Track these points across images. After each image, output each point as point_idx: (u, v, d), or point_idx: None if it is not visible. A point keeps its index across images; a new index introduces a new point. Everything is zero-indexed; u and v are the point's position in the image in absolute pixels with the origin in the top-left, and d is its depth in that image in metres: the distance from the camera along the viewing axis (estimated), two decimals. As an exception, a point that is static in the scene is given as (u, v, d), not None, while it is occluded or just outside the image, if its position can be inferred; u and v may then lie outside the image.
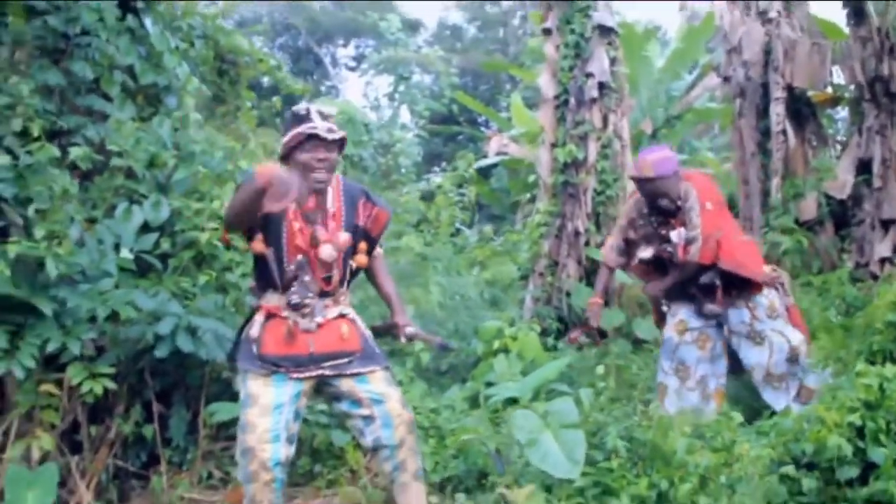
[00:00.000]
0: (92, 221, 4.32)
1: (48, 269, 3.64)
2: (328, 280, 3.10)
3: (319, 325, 3.06)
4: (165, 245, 4.50)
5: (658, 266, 4.47)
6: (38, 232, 3.79)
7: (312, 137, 2.98)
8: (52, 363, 3.84)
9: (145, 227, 4.42)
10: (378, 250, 3.35)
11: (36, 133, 4.04)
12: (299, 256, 3.04)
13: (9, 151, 3.97)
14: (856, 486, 2.83)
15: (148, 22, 5.20)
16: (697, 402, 4.30)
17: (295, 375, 3.00)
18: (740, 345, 4.35)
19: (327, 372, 3.06)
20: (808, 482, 2.94)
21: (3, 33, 4.68)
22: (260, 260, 3.09)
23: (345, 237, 3.12)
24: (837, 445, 2.82)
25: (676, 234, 4.26)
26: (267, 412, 2.94)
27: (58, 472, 3.44)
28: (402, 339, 3.32)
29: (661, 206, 4.25)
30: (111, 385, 3.86)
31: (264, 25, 9.90)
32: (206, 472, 4.26)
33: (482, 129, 20.53)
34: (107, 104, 4.70)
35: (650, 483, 3.22)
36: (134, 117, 4.84)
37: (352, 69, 27.12)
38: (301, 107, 3.11)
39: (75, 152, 4.23)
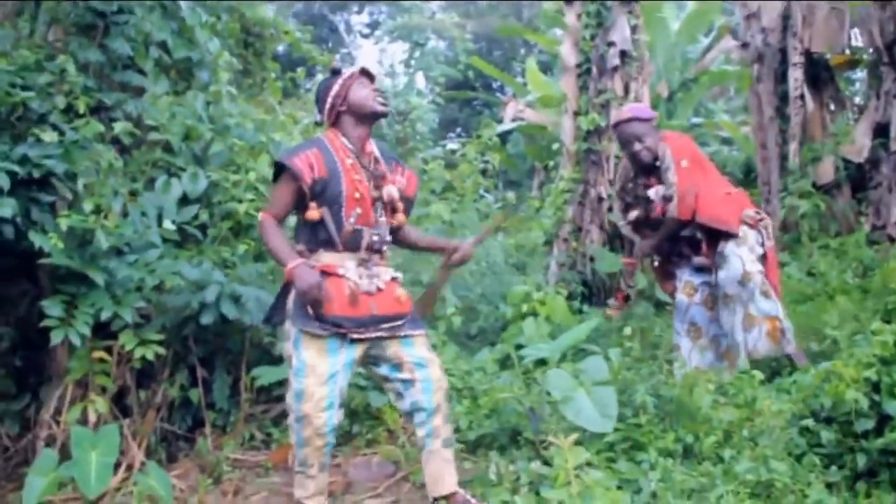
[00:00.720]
0: (133, 194, 4.42)
1: (98, 240, 3.75)
2: (380, 235, 3.24)
3: (379, 289, 3.19)
4: (204, 216, 4.63)
5: (651, 227, 4.66)
6: (87, 205, 3.87)
7: (362, 74, 3.27)
8: (102, 331, 3.98)
9: (184, 200, 4.55)
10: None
11: (81, 110, 4.14)
12: (357, 209, 3.17)
13: (55, 128, 4.04)
14: (871, 438, 2.97)
15: None
16: (713, 361, 4.46)
17: (355, 336, 3.11)
18: (718, 276, 4.49)
19: (384, 334, 3.18)
20: (827, 434, 3.08)
21: (40, 12, 4.80)
22: (312, 224, 3.19)
23: (400, 179, 3.35)
24: (854, 399, 2.96)
25: (654, 193, 4.49)
26: (322, 381, 3.05)
27: (118, 433, 3.60)
28: (473, 245, 3.48)
29: (635, 153, 4.45)
30: (161, 350, 4.00)
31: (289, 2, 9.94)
32: (248, 433, 4.42)
33: (498, 94, 20.52)
34: (143, 79, 4.77)
35: (676, 437, 3.39)
36: (168, 92, 4.92)
37: (366, 36, 27.06)
38: (334, 65, 3.33)
39: (119, 127, 4.32)
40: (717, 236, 4.41)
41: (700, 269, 4.56)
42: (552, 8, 12.49)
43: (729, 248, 4.36)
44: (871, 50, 7.22)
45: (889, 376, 3.02)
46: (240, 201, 4.71)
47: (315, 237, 3.19)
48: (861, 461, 2.96)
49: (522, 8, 26.31)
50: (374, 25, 26.72)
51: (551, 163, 11.89)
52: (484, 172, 8.11)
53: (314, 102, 3.42)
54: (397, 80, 20.40)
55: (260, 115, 5.62)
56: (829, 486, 2.97)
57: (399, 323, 3.22)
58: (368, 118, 3.27)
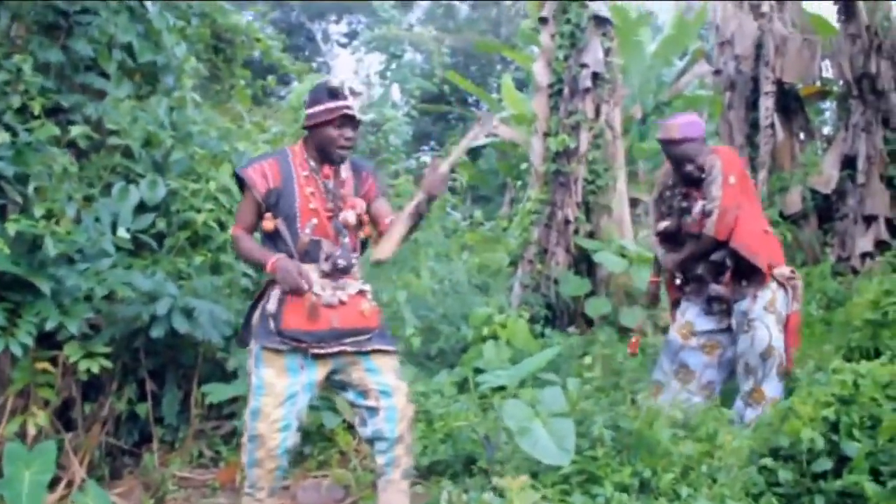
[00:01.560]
0: (88, 200, 4.31)
1: (47, 247, 3.63)
2: (341, 245, 3.13)
3: (342, 302, 3.09)
4: (161, 225, 4.53)
5: (678, 241, 4.40)
6: (37, 210, 3.76)
7: (346, 117, 3.08)
8: (47, 341, 3.86)
9: (141, 207, 4.44)
10: (386, 221, 3.29)
11: (36, 111, 4.02)
12: (313, 220, 3.08)
13: (8, 128, 3.92)
14: (829, 479, 2.93)
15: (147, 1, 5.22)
16: (702, 405, 4.14)
17: (315, 351, 3.02)
18: (737, 337, 4.23)
19: (348, 348, 3.07)
20: (785, 474, 3.03)
21: (1, 8, 4.66)
22: (270, 235, 3.13)
23: (360, 202, 3.21)
24: (811, 438, 2.93)
25: (698, 207, 4.19)
26: (280, 401, 2.97)
27: (55, 450, 3.46)
28: (442, 180, 3.19)
29: (686, 174, 4.19)
30: (107, 364, 3.89)
31: (267, 9, 9.86)
32: (197, 450, 4.32)
33: (472, 109, 20.51)
34: (105, 82, 4.65)
35: (634, 471, 3.31)
36: (131, 95, 4.82)
37: (343, 46, 26.98)
38: (335, 83, 3.17)
39: (75, 130, 4.21)
40: (743, 272, 4.18)
41: (707, 314, 4.30)
42: (530, 25, 12.50)
43: (757, 311, 4.10)
44: (840, 82, 7.31)
45: (848, 416, 3.00)
46: (198, 211, 4.62)
47: (276, 249, 3.11)
48: (819, 503, 2.91)
49: (500, 24, 26.44)
50: (351, 35, 26.65)
51: (520, 182, 11.88)
52: (452, 189, 8.06)
53: (307, 101, 3.26)
54: (373, 91, 20.36)
55: (225, 124, 5.53)
56: (785, 527, 2.93)
57: (363, 338, 3.11)
58: (328, 159, 3.18)
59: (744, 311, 4.14)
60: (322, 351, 3.04)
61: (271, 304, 3.05)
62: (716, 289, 4.21)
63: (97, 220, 4.19)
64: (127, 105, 4.65)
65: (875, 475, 2.87)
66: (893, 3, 7.13)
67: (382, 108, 15.31)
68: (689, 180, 4.23)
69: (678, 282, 4.50)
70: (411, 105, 16.99)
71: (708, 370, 4.29)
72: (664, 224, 4.43)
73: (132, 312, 4.05)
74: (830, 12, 7.63)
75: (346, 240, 3.15)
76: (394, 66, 19.01)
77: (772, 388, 4.03)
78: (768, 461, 3.11)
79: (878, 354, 3.44)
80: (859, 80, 6.93)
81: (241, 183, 3.19)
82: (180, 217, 4.61)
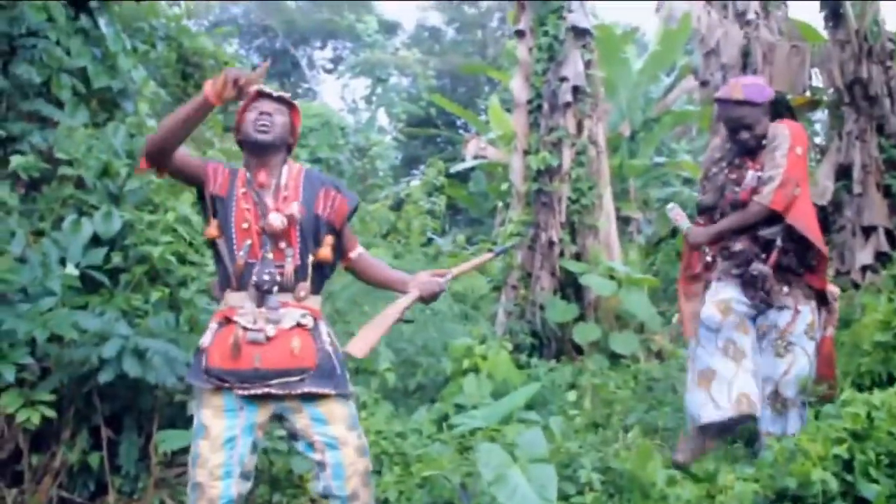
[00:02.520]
0: (39, 234, 4.14)
1: (-20, 288, 3.42)
2: (281, 268, 2.82)
3: (269, 338, 2.78)
4: (116, 259, 4.29)
5: (713, 221, 4.00)
6: None
7: (259, 95, 2.84)
8: None
9: (95, 241, 4.22)
10: (360, 249, 3.08)
11: (-25, 141, 3.84)
12: (247, 241, 2.80)
13: None
14: (846, 525, 2.65)
15: (103, 22, 5.04)
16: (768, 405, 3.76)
17: (239, 392, 2.75)
18: (763, 353, 3.82)
19: (274, 391, 2.77)
20: (794, 520, 2.76)
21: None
22: (217, 255, 2.88)
23: (297, 207, 2.86)
24: (823, 480, 2.64)
25: (751, 176, 3.79)
26: (218, 446, 2.69)
27: None
28: (441, 288, 3.01)
29: (742, 142, 3.80)
30: (50, 413, 3.64)
31: (233, 28, 9.72)
32: (158, 501, 4.04)
33: (460, 131, 20.47)
34: (56, 110, 4.54)
35: (626, 519, 3.04)
36: (87, 123, 4.66)
37: (329, 71, 27.09)
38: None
39: (17, 161, 4.06)
40: (789, 266, 3.78)
41: (746, 302, 3.81)
42: (515, 45, 12.45)
43: (797, 333, 3.74)
44: (831, 90, 7.13)
45: (864, 454, 2.72)
46: (156, 244, 4.36)
47: (219, 272, 2.90)
48: (833, 552, 2.61)
49: (486, 46, 26.50)
50: (336, 60, 26.73)
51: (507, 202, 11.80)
52: (432, 214, 7.87)
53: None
54: (359, 116, 20.30)
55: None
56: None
57: (294, 379, 2.79)
58: (252, 147, 2.90)
59: (781, 328, 3.77)
60: (247, 393, 2.76)
61: (205, 339, 2.79)
62: (759, 267, 3.73)
63: (44, 256, 3.97)
64: (81, 133, 4.45)
65: (896, 519, 2.58)
66: (881, 3, 6.96)
67: (369, 133, 15.19)
68: (744, 150, 3.84)
69: (708, 259, 4.03)
70: (398, 129, 16.88)
71: (754, 354, 3.78)
72: (706, 197, 4.04)
73: (80, 355, 3.79)
74: (817, 19, 7.49)
75: (270, 254, 2.84)
76: (380, 90, 19.04)
77: (797, 424, 3.66)
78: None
79: (891, 381, 3.17)
80: (851, 86, 6.74)
81: None
82: (136, 251, 4.36)
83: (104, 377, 3.72)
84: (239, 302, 2.77)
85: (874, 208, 6.63)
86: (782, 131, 3.74)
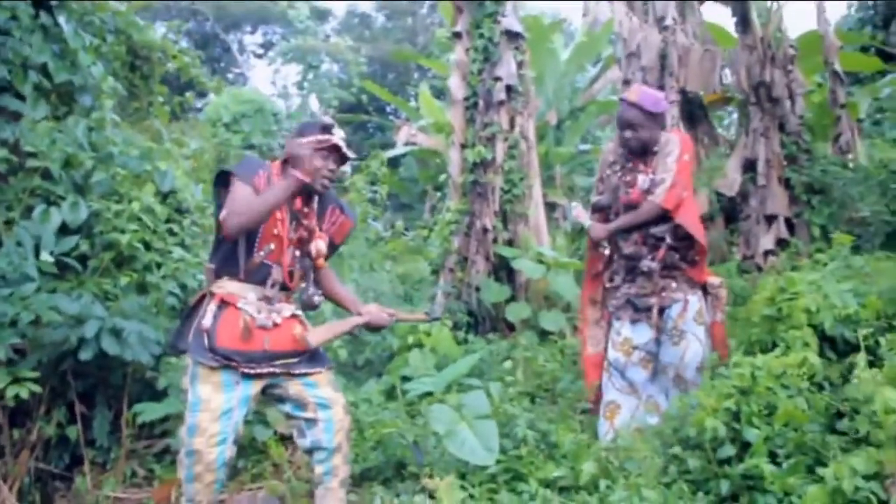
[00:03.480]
0: (9, 224, 4.30)
1: (-32, 274, 3.63)
2: (291, 275, 3.24)
3: (276, 324, 3.17)
4: (84, 247, 4.51)
5: (608, 220, 4.33)
6: None
7: (335, 149, 3.18)
8: None
9: (64, 229, 4.42)
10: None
11: (-48, 136, 4.02)
12: (271, 245, 3.17)
13: None
14: (733, 464, 3.18)
15: (62, 19, 5.10)
16: (658, 421, 4.08)
17: (245, 371, 3.09)
18: (662, 345, 4.21)
19: (277, 370, 3.17)
20: (693, 462, 3.28)
21: None
22: (225, 244, 3.16)
23: (324, 236, 3.33)
24: (714, 427, 3.18)
25: (642, 179, 4.13)
26: (216, 417, 3.04)
27: None
28: (386, 322, 3.44)
29: (625, 140, 4.12)
30: (36, 388, 3.83)
31: (180, 23, 9.80)
32: (130, 470, 4.32)
33: (391, 118, 20.65)
34: (21, 104, 4.63)
35: (555, 467, 3.54)
36: (48, 116, 4.79)
37: (259, 56, 26.88)
38: (328, 119, 3.27)
39: None
40: (675, 264, 4.15)
41: (635, 322, 4.18)
42: (445, 35, 12.73)
43: (688, 322, 4.11)
44: (739, 91, 7.68)
45: (748, 406, 3.24)
46: (122, 231, 4.60)
47: (224, 262, 3.19)
48: (724, 487, 3.15)
49: (417, 33, 26.70)
50: (267, 46, 26.59)
51: (440, 191, 12.09)
52: (372, 202, 8.20)
53: (295, 132, 3.31)
54: (290, 102, 20.30)
55: (145, 143, 5.51)
56: (696, 511, 3.16)
57: (293, 360, 3.22)
58: (307, 186, 3.22)
59: (674, 318, 4.13)
60: (252, 371, 3.14)
61: (206, 320, 3.10)
62: (647, 264, 4.13)
63: (19, 244, 4.16)
64: (44, 126, 4.62)
65: (773, 458, 3.12)
66: (784, 12, 7.56)
67: (301, 119, 15.28)
68: (633, 152, 4.18)
69: (606, 252, 4.36)
70: (329, 115, 16.97)
71: (647, 386, 4.24)
72: (599, 198, 4.39)
73: (59, 336, 4.03)
74: (731, 23, 8.04)
75: (287, 259, 3.24)
76: (311, 76, 19.01)
77: None
78: (677, 450, 3.35)
79: (774, 347, 3.70)
80: (756, 88, 7.31)
81: (225, 180, 3.19)
82: (104, 238, 4.60)
83: (84, 355, 3.95)
84: (241, 291, 3.15)
85: (776, 199, 7.24)
86: (674, 139, 4.12)
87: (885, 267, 4.58)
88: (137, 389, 4.50)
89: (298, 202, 3.27)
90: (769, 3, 7.79)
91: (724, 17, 10.46)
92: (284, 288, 3.24)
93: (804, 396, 3.28)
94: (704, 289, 4.25)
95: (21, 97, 4.65)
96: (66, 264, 4.38)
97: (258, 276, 3.18)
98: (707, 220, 7.61)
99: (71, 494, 4.12)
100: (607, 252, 4.35)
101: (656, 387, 4.27)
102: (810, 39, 8.10)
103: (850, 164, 7.32)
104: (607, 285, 4.38)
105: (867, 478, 2.40)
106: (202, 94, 13.54)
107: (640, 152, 4.17)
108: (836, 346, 3.69)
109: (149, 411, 4.22)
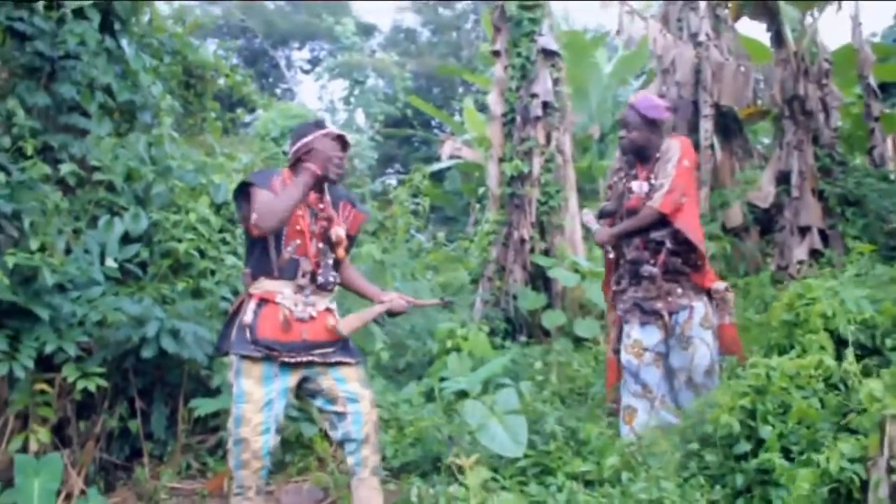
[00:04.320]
0: (77, 232, 4.61)
1: (43, 277, 3.93)
2: (318, 265, 3.49)
3: (312, 317, 3.43)
4: (145, 254, 4.84)
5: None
6: (32, 244, 4.07)
7: (338, 137, 3.49)
8: (43, 364, 4.12)
9: (126, 238, 4.76)
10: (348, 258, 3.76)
11: (29, 151, 4.34)
12: (297, 241, 3.43)
13: (2, 168, 4.21)
14: (749, 459, 3.35)
15: (124, 42, 5.47)
16: (672, 420, 4.13)
17: (285, 360, 3.36)
18: (671, 349, 4.26)
19: (316, 359, 3.42)
20: (710, 457, 3.47)
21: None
22: (256, 245, 3.44)
23: (342, 224, 3.58)
24: (730, 424, 3.36)
25: (638, 185, 4.23)
26: (259, 408, 3.31)
27: (61, 461, 3.75)
28: (405, 307, 3.65)
29: (620, 140, 4.27)
30: (102, 382, 4.15)
31: (234, 43, 10.19)
32: (185, 463, 4.60)
33: (436, 132, 20.92)
34: (87, 121, 4.95)
35: (582, 462, 3.75)
36: (111, 133, 5.11)
37: (307, 72, 27.35)
38: (318, 116, 3.59)
39: (65, 168, 4.53)
40: (677, 268, 4.21)
41: (644, 324, 4.22)
42: (490, 49, 12.92)
43: (694, 328, 4.15)
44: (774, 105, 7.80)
45: (763, 404, 3.42)
46: (179, 240, 4.92)
47: (258, 263, 3.45)
48: (739, 480, 3.33)
49: (461, 48, 26.98)
50: (314, 62, 27.05)
51: (482, 203, 12.29)
52: (415, 213, 8.48)
53: (295, 137, 3.58)
54: (336, 116, 20.69)
55: (200, 157, 5.84)
56: (713, 503, 3.34)
57: (329, 349, 3.48)
58: (320, 178, 3.50)
59: (681, 324, 4.18)
60: (292, 360, 3.40)
61: (247, 316, 3.38)
62: (648, 269, 4.18)
63: (86, 251, 4.50)
64: (108, 142, 4.94)
65: (786, 453, 3.29)
66: (819, 25, 7.67)
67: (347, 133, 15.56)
68: (622, 151, 4.32)
69: (610, 256, 4.45)
70: (375, 129, 17.29)
71: (661, 385, 4.26)
72: (606, 204, 4.47)
73: (123, 336, 4.35)
74: (767, 38, 8.17)
75: (330, 260, 3.53)
76: (357, 91, 19.33)
77: None
78: (695, 446, 3.54)
79: (793, 350, 3.87)
80: (790, 101, 7.44)
81: (245, 193, 3.44)
82: (162, 246, 4.92)
83: (146, 353, 4.27)
84: (278, 288, 3.42)
85: (809, 210, 7.34)
86: (674, 145, 4.19)
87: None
88: (192, 387, 4.79)
89: (313, 197, 3.54)
90: (804, 18, 7.91)
91: (761, 32, 10.55)
92: (314, 279, 3.49)
93: (818, 396, 3.44)
94: (709, 294, 4.32)
95: (87, 115, 4.99)
96: (129, 270, 4.73)
97: (290, 271, 3.43)
98: (742, 231, 7.74)
99: (131, 483, 4.41)
100: (612, 256, 4.44)
101: (666, 385, 4.30)
102: (849, 52, 8.18)
103: (890, 176, 7.38)
104: (615, 288, 4.47)
105: (853, 461, 2.57)
106: (251, 110, 13.94)
107: (636, 156, 4.28)
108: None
109: (204, 406, 4.50)
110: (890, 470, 2.40)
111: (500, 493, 3.49)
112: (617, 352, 4.45)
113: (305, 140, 3.48)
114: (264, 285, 3.45)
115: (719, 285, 4.33)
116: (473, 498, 2.96)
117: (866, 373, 3.61)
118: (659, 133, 4.26)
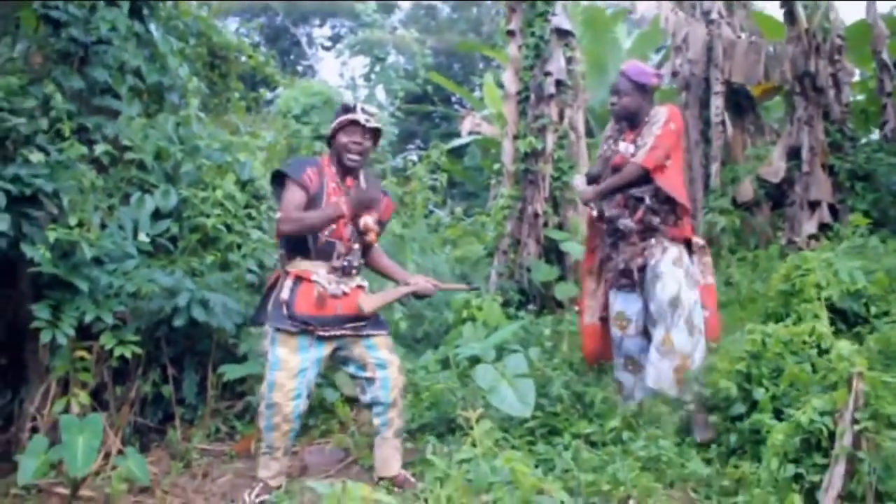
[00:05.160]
0: (110, 209, 4.84)
1: (82, 251, 4.19)
2: (350, 247, 3.74)
3: (345, 293, 3.69)
4: (175, 229, 5.08)
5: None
6: (71, 220, 4.30)
7: (353, 123, 3.69)
8: (81, 332, 4.35)
9: (157, 214, 5.00)
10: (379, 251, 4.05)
11: (66, 133, 4.57)
12: (332, 225, 3.67)
13: (41, 149, 4.42)
14: (745, 420, 3.57)
15: (152, 27, 5.66)
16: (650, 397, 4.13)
17: (320, 333, 3.61)
18: (647, 293, 4.24)
19: (348, 333, 3.68)
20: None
21: (20, 39, 5.19)
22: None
23: (375, 213, 3.81)
24: (727, 387, 3.57)
25: (624, 146, 4.32)
26: (293, 375, 3.58)
27: (101, 421, 4.02)
28: (432, 291, 3.91)
29: (611, 105, 4.37)
30: (137, 350, 4.42)
31: (258, 23, 10.40)
32: (214, 426, 4.89)
33: (456, 107, 20.98)
34: (118, 103, 5.16)
35: (587, 423, 3.98)
36: (141, 114, 5.33)
37: (328, 49, 27.44)
38: (349, 100, 3.82)
39: (100, 149, 4.74)
40: (654, 226, 4.22)
41: (628, 290, 4.28)
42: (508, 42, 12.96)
43: (665, 265, 4.14)
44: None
45: (758, 368, 3.63)
46: (207, 216, 5.17)
47: (294, 246, 3.71)
48: (733, 440, 3.55)
49: (482, 24, 26.94)
50: (335, 39, 27.13)
51: (499, 178, 12.40)
52: (433, 189, 8.68)
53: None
54: (358, 93, 20.80)
55: (226, 137, 6.07)
56: (707, 460, 3.57)
57: (362, 323, 3.73)
58: (346, 164, 3.75)
59: (653, 266, 4.18)
60: (327, 333, 3.65)
61: (284, 293, 3.65)
62: (624, 222, 4.24)
63: (120, 226, 4.75)
64: (138, 123, 5.17)
65: (777, 414, 3.50)
66: (832, 3, 7.73)
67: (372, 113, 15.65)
68: (614, 116, 4.42)
69: (594, 214, 4.47)
70: (396, 106, 17.39)
71: (643, 354, 4.28)
72: (593, 168, 4.58)
73: (156, 306, 4.62)
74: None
75: (357, 245, 3.75)
76: (378, 68, 19.34)
77: (680, 339, 4.04)
78: (692, 408, 3.75)
79: (788, 318, 4.06)
80: (801, 78, 7.53)
81: (280, 180, 3.72)
82: (191, 222, 5.17)
83: (178, 322, 4.55)
84: (313, 268, 3.67)
85: (819, 185, 7.47)
86: (662, 111, 4.28)
87: None
88: (221, 355, 5.07)
89: (349, 181, 3.76)
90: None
91: (775, 9, 10.58)
92: (350, 263, 3.74)
93: (811, 361, 3.64)
94: (689, 246, 4.34)
95: (119, 97, 5.19)
96: (160, 244, 4.98)
97: (325, 253, 3.69)
98: (753, 205, 7.87)
99: (164, 445, 4.68)
100: (595, 213, 4.48)
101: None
102: (864, 27, 8.19)
103: (896, 151, 7.48)
104: (601, 256, 4.57)
105: (823, 413, 2.78)
106: (273, 88, 14.12)
107: (627, 122, 4.39)
108: (846, 319, 4.02)
109: (231, 371, 4.78)
110: (854, 421, 2.62)
111: (510, 452, 3.71)
112: (603, 319, 4.56)
113: (332, 126, 3.72)
114: (300, 265, 3.69)
115: (699, 240, 4.40)
116: (480, 446, 3.18)
117: (860, 340, 3.81)
118: (649, 99, 4.37)
